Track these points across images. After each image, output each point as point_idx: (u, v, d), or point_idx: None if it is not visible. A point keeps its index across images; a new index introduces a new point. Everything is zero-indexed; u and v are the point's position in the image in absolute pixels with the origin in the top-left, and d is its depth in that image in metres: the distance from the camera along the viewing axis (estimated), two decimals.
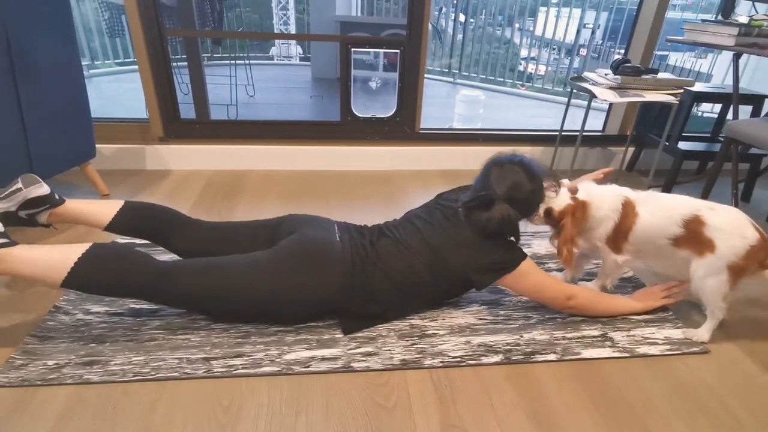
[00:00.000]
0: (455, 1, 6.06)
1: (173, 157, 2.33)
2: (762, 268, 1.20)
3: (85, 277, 1.09)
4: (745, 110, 2.28)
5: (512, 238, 1.31)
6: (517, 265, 1.25)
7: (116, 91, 4.91)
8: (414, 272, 1.26)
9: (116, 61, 5.40)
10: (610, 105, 2.61)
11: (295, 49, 6.45)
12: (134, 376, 1.08)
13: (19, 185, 1.23)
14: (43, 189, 1.26)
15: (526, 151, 2.49)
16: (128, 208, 1.32)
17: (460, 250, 1.25)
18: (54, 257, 1.09)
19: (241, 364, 1.13)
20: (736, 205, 1.91)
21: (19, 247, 1.08)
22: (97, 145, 1.97)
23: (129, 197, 2.00)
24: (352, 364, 1.15)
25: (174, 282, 1.15)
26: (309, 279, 1.20)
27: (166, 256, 1.37)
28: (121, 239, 1.53)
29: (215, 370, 1.11)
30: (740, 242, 1.18)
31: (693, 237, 1.23)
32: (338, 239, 1.28)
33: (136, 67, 2.14)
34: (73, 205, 1.30)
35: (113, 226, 1.31)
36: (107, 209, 1.31)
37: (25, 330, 1.20)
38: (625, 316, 1.37)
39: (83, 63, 1.85)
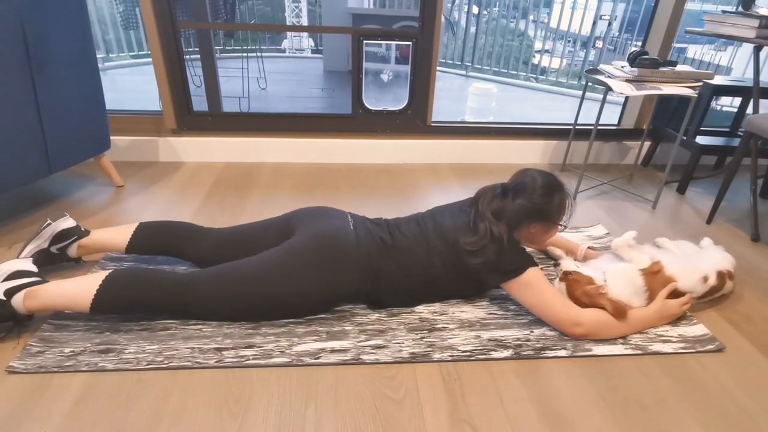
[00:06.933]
0: None
1: (186, 149, 2.35)
2: None
3: (109, 299, 1.16)
4: (766, 104, 2.22)
5: (525, 248, 1.30)
6: (523, 270, 1.22)
7: (130, 83, 4.96)
8: (429, 267, 1.26)
9: (131, 53, 5.45)
10: (626, 98, 2.57)
11: (307, 41, 6.44)
12: (148, 365, 1.10)
13: (48, 221, 1.36)
14: (69, 221, 1.38)
15: (539, 144, 2.50)
16: (141, 231, 1.41)
17: (478, 251, 1.24)
18: (78, 287, 1.16)
19: (251, 355, 1.14)
20: (754, 201, 1.89)
21: (48, 284, 1.17)
22: (111, 137, 1.99)
23: (142, 189, 2.03)
24: (361, 357, 1.15)
25: (196, 288, 1.20)
26: (330, 271, 1.22)
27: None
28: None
29: (226, 360, 1.12)
30: None
31: None
32: (352, 228, 1.29)
33: (150, 59, 2.15)
34: (98, 235, 1.41)
35: (131, 249, 1.40)
36: (124, 233, 1.40)
37: (41, 318, 1.22)
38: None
39: (98, 55, 1.86)
